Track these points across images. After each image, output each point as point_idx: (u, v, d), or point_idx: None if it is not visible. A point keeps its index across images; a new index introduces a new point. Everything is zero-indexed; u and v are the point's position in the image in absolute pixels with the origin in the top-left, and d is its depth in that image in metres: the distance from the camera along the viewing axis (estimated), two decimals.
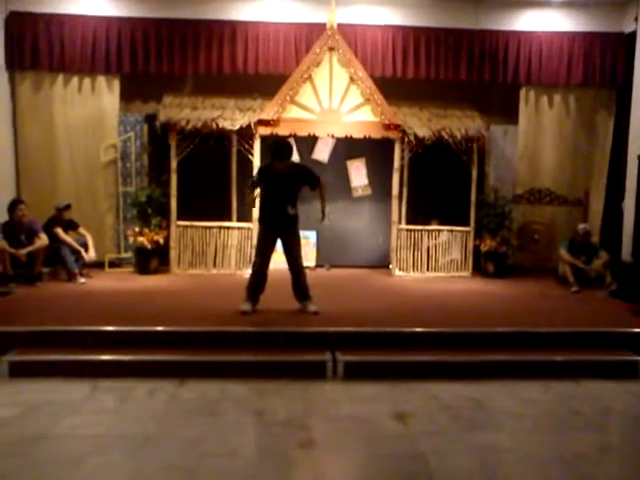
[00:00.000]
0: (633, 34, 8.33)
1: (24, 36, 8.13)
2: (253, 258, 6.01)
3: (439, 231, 8.34)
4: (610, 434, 4.14)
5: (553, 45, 8.65)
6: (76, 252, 7.44)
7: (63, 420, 3.94)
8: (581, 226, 7.84)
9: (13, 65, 8.22)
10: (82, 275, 7.41)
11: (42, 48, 8.16)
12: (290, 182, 5.71)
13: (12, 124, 8.33)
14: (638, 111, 8.12)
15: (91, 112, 8.41)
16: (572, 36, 8.65)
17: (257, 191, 5.79)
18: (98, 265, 7.99)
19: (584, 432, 3.96)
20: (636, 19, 8.20)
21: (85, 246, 7.56)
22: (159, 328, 5.21)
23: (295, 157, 8.35)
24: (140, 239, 7.88)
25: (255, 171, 6.16)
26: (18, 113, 8.33)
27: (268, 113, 7.81)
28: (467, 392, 4.58)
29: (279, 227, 5.76)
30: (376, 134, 7.98)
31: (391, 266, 8.35)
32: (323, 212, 5.97)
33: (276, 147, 5.68)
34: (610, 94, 8.83)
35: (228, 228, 8.12)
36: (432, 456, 3.53)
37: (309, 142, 8.42)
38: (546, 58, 8.66)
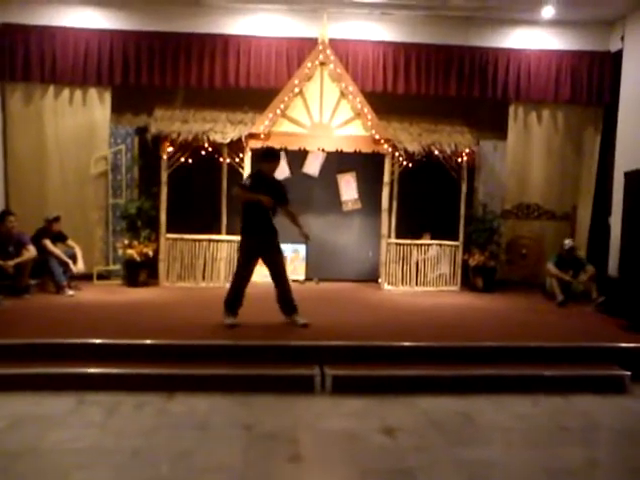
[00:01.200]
0: (619, 53, 8.47)
1: (16, 48, 8.14)
2: (235, 270, 5.88)
3: (428, 245, 8.37)
4: (598, 449, 4.15)
5: (541, 62, 8.77)
6: (64, 264, 7.40)
7: (49, 434, 3.91)
8: (566, 241, 7.91)
9: (4, 76, 8.23)
10: (70, 287, 7.37)
11: (33, 60, 8.17)
12: (274, 192, 5.71)
13: (2, 135, 8.31)
14: (624, 128, 8.24)
15: (82, 124, 8.41)
16: (560, 54, 8.78)
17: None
18: (87, 277, 7.94)
19: (572, 447, 3.97)
20: (622, 38, 8.35)
21: (74, 258, 7.53)
22: (147, 341, 5.18)
23: (286, 171, 8.44)
24: (129, 251, 7.86)
25: (248, 175, 6.09)
26: (8, 124, 8.32)
27: (259, 127, 7.84)
28: (456, 407, 4.59)
29: (264, 238, 5.72)
30: (366, 148, 8.03)
31: (380, 280, 8.37)
32: (300, 227, 5.90)
33: (266, 151, 5.90)
34: (597, 111, 8.96)
35: (217, 241, 8.12)
36: (420, 471, 3.52)
37: (300, 156, 8.45)
38: (535, 75, 8.78)
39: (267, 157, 5.76)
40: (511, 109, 8.93)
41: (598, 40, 8.75)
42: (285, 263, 5.88)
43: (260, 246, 5.72)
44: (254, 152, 7.80)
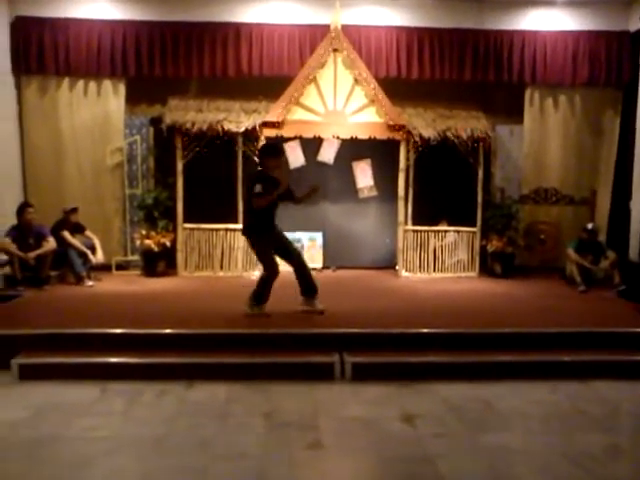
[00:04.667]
0: (638, 32, 8.31)
1: (30, 41, 8.17)
2: (262, 270, 5.81)
3: (446, 232, 8.33)
4: (618, 434, 4.12)
5: (558, 44, 8.63)
6: (83, 255, 7.46)
7: (73, 422, 3.97)
8: (589, 225, 7.82)
9: (19, 70, 8.27)
10: (90, 278, 7.44)
11: (48, 52, 8.20)
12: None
13: (19, 128, 8.37)
14: None
15: (97, 115, 8.44)
16: (577, 35, 8.63)
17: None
18: (105, 268, 8.01)
19: (592, 432, 3.95)
20: None
21: (92, 249, 7.58)
22: (167, 330, 5.23)
23: (301, 159, 8.44)
24: (147, 242, 7.91)
25: (254, 180, 5.63)
26: (24, 117, 8.38)
27: (273, 115, 7.82)
28: (475, 393, 4.58)
29: (275, 232, 5.74)
30: (381, 135, 7.98)
31: (397, 267, 8.35)
32: (307, 192, 5.85)
33: (268, 147, 5.89)
34: (616, 93, 8.80)
35: (234, 230, 8.13)
36: (440, 458, 3.53)
37: (314, 144, 8.43)
38: (551, 57, 8.64)
39: (270, 153, 5.66)
40: (527, 93, 8.80)
41: (616, 20, 8.57)
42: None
43: (273, 240, 5.72)
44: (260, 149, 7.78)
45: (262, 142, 7.86)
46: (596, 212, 8.92)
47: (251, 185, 5.54)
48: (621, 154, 8.80)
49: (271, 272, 5.67)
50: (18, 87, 8.35)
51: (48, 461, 3.46)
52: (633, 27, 8.46)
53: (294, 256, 5.84)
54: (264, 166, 5.67)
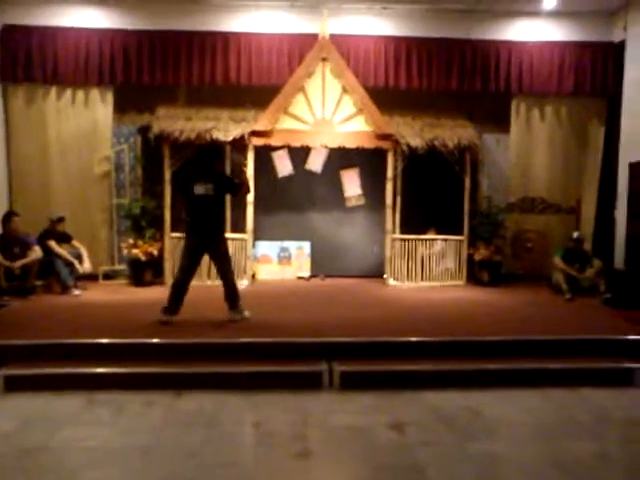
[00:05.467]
0: (622, 43, 8.43)
1: (17, 49, 8.15)
2: (229, 268, 6.01)
3: (433, 240, 8.37)
4: (608, 441, 4.14)
5: (544, 54, 8.74)
6: (70, 264, 7.41)
7: (59, 433, 3.92)
8: (575, 234, 7.90)
9: (6, 78, 8.24)
10: (76, 287, 7.38)
11: (35, 61, 8.18)
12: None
13: (5, 136, 8.32)
14: (628, 119, 8.22)
15: (84, 124, 8.41)
16: (562, 46, 8.75)
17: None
18: (92, 277, 7.96)
19: (582, 440, 3.96)
20: (625, 28, 8.31)
21: (79, 258, 7.53)
22: (154, 340, 5.20)
23: (289, 168, 8.46)
24: (134, 251, 7.87)
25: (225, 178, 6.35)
26: (11, 126, 8.33)
27: (262, 124, 7.83)
28: (464, 401, 4.58)
29: None
30: (369, 144, 8.02)
31: (385, 276, 8.36)
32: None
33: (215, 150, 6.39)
34: (601, 103, 8.92)
35: None
36: (429, 466, 3.52)
37: (302, 153, 8.45)
38: (537, 68, 8.75)
39: (219, 156, 6.25)
40: (514, 102, 8.90)
41: (601, 31, 8.71)
42: None
43: None
44: (257, 151, 7.81)
45: (251, 151, 7.91)
46: (582, 221, 9.01)
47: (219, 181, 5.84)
48: (606, 163, 8.90)
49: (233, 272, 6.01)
50: (4, 96, 8.32)
51: (35, 472, 3.42)
52: (617, 38, 8.59)
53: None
54: (216, 166, 6.03)
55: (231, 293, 5.89)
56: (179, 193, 6.42)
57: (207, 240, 5.82)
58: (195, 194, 5.73)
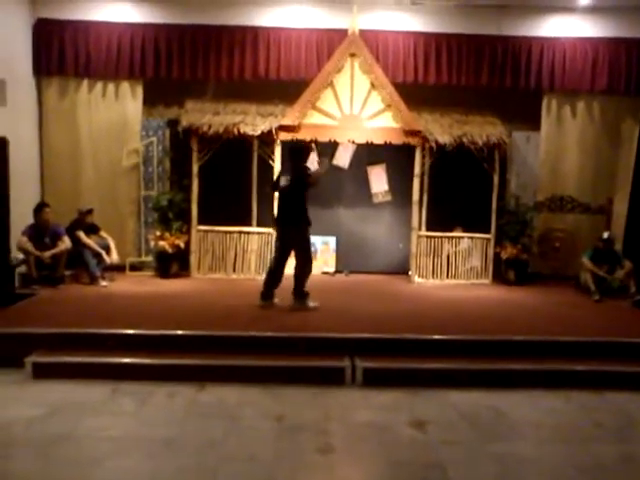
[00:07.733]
0: None
1: (51, 42, 8.27)
2: (304, 263, 6.18)
3: (460, 238, 8.29)
4: (632, 445, 4.07)
5: (577, 51, 8.57)
6: (98, 255, 7.52)
7: (84, 421, 4.00)
8: (605, 234, 7.76)
9: (40, 71, 8.36)
10: (104, 278, 7.48)
11: (68, 54, 8.29)
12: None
13: (39, 129, 8.47)
14: None
15: (114, 117, 8.52)
16: (596, 42, 8.57)
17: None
18: (119, 268, 8.07)
19: (605, 443, 3.91)
20: None
21: (107, 249, 7.63)
22: (179, 332, 5.25)
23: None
24: (161, 243, 7.95)
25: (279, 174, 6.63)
26: (44, 118, 8.47)
27: (289, 119, 7.84)
28: (487, 401, 4.55)
29: None
30: (397, 140, 7.97)
31: (410, 272, 8.32)
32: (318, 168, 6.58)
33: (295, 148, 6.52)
34: (636, 101, 8.70)
35: (248, 233, 8.16)
36: (450, 465, 3.51)
37: (330, 148, 8.44)
38: (569, 64, 8.58)
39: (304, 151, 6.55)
40: (545, 99, 8.74)
41: (636, 26, 8.50)
42: None
43: None
44: (284, 145, 7.82)
45: (278, 146, 7.94)
46: (612, 221, 8.83)
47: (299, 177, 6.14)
48: (639, 163, 8.70)
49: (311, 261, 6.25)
50: (39, 89, 8.44)
51: (59, 460, 3.48)
52: None
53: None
54: (302, 161, 6.41)
55: (296, 283, 6.18)
56: (271, 187, 6.72)
57: (285, 230, 6.17)
58: (280, 187, 6.26)
